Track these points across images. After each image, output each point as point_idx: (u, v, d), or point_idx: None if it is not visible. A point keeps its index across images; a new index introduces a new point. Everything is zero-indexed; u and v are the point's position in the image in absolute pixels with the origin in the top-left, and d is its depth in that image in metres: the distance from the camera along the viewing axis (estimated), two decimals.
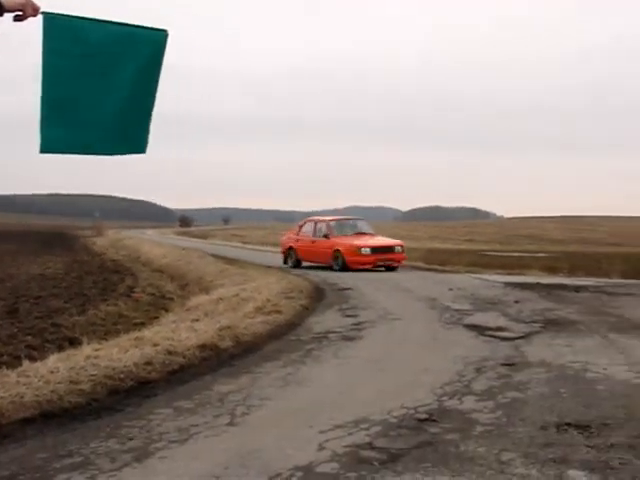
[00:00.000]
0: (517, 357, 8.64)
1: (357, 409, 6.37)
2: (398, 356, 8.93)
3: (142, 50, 5.58)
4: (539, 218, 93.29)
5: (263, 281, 17.00)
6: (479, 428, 5.81)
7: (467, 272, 21.42)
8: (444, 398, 6.73)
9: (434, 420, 6.03)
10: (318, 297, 14.81)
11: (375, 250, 23.03)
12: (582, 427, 5.76)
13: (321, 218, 26.17)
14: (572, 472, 4.77)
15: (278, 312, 12.12)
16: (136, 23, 5.57)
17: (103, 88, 5.50)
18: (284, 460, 5.07)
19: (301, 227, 25.93)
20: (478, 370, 7.91)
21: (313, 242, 24.51)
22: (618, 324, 10.86)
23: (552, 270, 22.78)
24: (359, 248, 22.95)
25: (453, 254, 32.59)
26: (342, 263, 22.78)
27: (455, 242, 56.60)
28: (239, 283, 17.98)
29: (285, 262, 25.43)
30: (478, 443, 5.41)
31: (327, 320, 11.85)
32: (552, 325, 10.83)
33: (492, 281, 17.60)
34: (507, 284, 16.67)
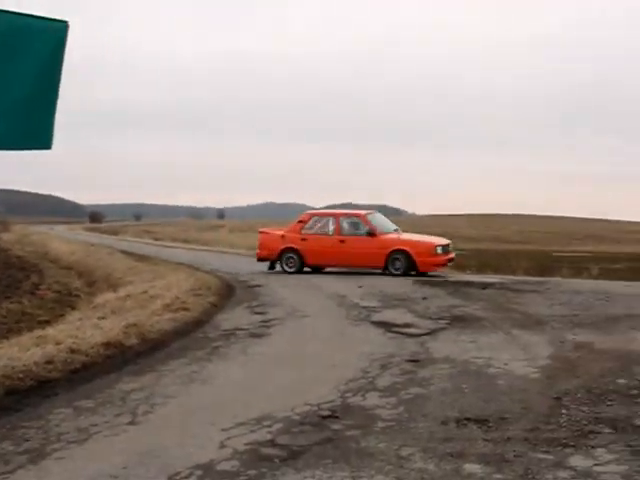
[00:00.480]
0: (422, 353, 8.78)
1: (261, 406, 6.39)
2: (305, 353, 8.98)
3: (42, 42, 5.48)
4: (451, 216, 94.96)
5: (172, 278, 16.85)
6: (381, 424, 5.90)
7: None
8: (348, 394, 6.81)
9: (336, 417, 6.09)
10: (227, 294, 14.76)
11: (444, 249, 19.71)
12: (481, 421, 5.92)
13: (342, 212, 21.63)
14: (468, 466, 4.89)
15: (186, 309, 12.05)
16: (35, 14, 5.47)
17: (2, 81, 5.38)
18: (184, 459, 5.05)
19: (305, 223, 20.69)
20: (383, 366, 8.02)
21: (342, 241, 19.82)
22: (521, 320, 11.12)
23: (461, 267, 23.18)
24: (435, 247, 19.47)
25: None
26: (408, 266, 18.93)
27: None
28: (148, 280, 17.81)
29: (272, 267, 20.43)
30: (379, 439, 5.49)
31: (235, 317, 11.83)
32: (458, 322, 11.03)
33: (401, 278, 17.78)
34: (416, 281, 16.86)
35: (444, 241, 20.18)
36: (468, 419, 5.99)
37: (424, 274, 18.66)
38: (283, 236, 20.48)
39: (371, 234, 19.79)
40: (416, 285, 15.99)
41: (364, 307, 12.64)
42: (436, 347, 9.13)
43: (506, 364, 8.05)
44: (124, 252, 30.08)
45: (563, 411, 6.20)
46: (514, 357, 8.44)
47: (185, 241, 45.22)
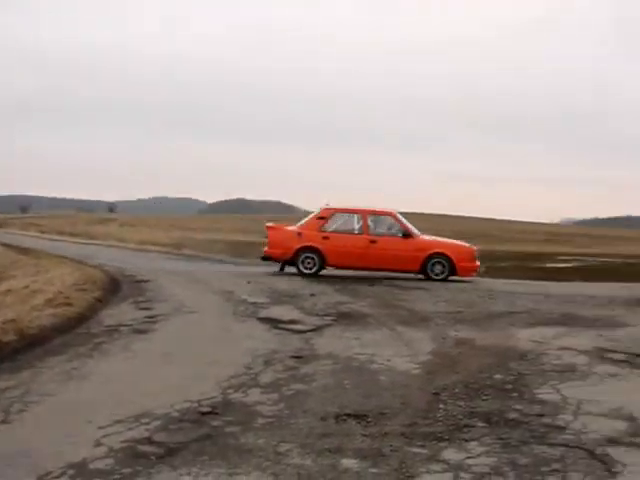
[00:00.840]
0: (306, 350, 8.83)
1: (140, 403, 6.30)
2: (188, 349, 8.90)
3: None
4: None
5: (56, 272, 16.46)
6: (261, 420, 5.91)
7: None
8: (229, 391, 6.79)
9: (217, 413, 6.07)
10: (113, 289, 14.48)
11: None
12: (360, 417, 6.00)
13: (369, 209, 19.16)
14: (345, 461, 4.95)
15: (69, 305, 11.75)
16: None
17: None
18: (57, 458, 4.94)
19: (325, 219, 18.65)
20: (267, 363, 8.02)
21: (374, 242, 18.24)
22: (406, 317, 11.33)
23: None
24: (474, 252, 18.92)
25: (257, 247, 32.79)
26: (450, 270, 18.20)
27: (261, 235, 56.87)
28: (31, 274, 17.33)
29: (282, 269, 18.71)
30: (258, 435, 5.50)
31: (120, 313, 11.61)
32: (344, 318, 11.14)
33: (292, 275, 17.82)
34: (305, 278, 16.96)
35: (475, 247, 19.48)
36: (348, 415, 6.06)
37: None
38: (300, 233, 18.43)
39: (407, 235, 18.56)
40: (304, 282, 16.08)
41: (252, 303, 12.62)
42: (320, 343, 9.21)
43: (389, 360, 8.18)
44: (7, 245, 29.26)
45: (441, 406, 6.36)
46: (397, 353, 8.60)
47: (73, 234, 44.17)
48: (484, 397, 6.69)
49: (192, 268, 19.73)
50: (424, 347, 9.00)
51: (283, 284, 15.55)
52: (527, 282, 19.03)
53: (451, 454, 5.11)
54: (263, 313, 11.56)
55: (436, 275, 18.08)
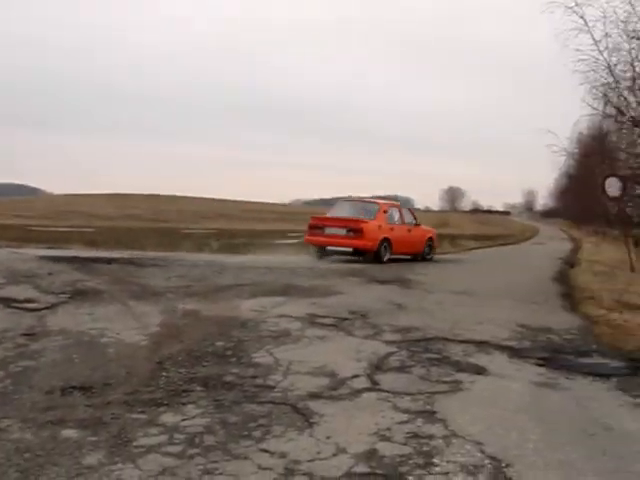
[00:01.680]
0: (39, 327, 8.40)
1: None
2: None
3: None
4: (90, 195, 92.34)
5: None
6: None
7: (7, 247, 20.38)
8: None
9: None
10: None
11: None
12: (86, 389, 5.82)
13: (393, 203, 22.56)
14: (66, 431, 4.79)
15: None
16: None
17: None
18: None
19: (386, 214, 20.51)
20: None
21: (409, 231, 21.41)
22: (139, 292, 11.12)
23: (94, 244, 22.72)
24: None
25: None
26: (432, 250, 22.78)
27: (1, 218, 53.62)
28: None
29: (362, 259, 19.70)
30: None
31: None
32: (79, 295, 10.72)
33: (31, 255, 16.91)
34: (45, 258, 16.11)
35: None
36: (74, 387, 5.85)
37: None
38: (380, 226, 19.94)
39: (417, 224, 21.82)
40: (44, 261, 15.30)
41: None
42: (53, 320, 8.80)
43: (118, 333, 7.99)
44: None
45: (163, 374, 6.32)
46: (127, 326, 8.41)
47: None
48: (205, 363, 6.74)
49: None
50: (153, 320, 8.89)
51: (21, 264, 14.69)
52: (254, 257, 19.46)
53: (168, 417, 5.10)
54: None
55: (427, 255, 22.07)
